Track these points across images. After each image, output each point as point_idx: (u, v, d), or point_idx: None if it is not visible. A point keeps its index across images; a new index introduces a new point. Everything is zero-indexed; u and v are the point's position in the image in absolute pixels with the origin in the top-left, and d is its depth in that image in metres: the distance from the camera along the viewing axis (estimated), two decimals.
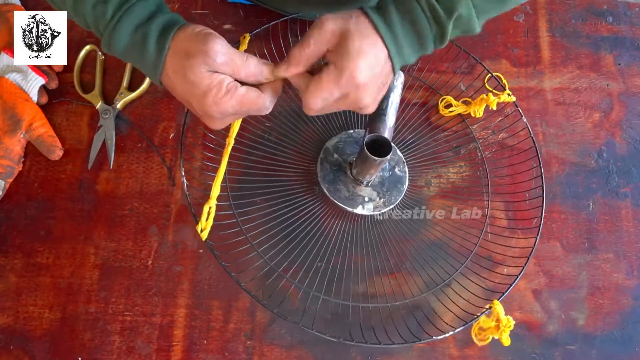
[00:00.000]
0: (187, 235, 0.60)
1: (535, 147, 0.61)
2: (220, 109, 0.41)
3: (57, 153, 0.62)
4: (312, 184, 0.61)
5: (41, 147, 0.61)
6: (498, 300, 0.53)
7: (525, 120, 0.62)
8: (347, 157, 0.60)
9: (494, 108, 0.58)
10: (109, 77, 0.66)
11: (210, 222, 0.51)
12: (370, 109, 0.43)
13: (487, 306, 0.54)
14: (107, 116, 0.63)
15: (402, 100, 0.64)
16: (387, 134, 0.54)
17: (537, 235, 0.58)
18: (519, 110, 0.62)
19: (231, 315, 0.58)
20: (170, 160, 0.63)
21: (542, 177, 0.60)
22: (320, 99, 0.40)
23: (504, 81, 0.66)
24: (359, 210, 0.58)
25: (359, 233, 0.60)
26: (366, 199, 0.59)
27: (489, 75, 0.66)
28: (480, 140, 0.64)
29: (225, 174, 0.55)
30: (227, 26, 0.67)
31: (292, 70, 0.41)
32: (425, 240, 0.61)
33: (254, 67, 0.41)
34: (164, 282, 0.59)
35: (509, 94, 0.59)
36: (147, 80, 0.64)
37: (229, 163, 0.55)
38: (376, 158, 0.50)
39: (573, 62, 0.68)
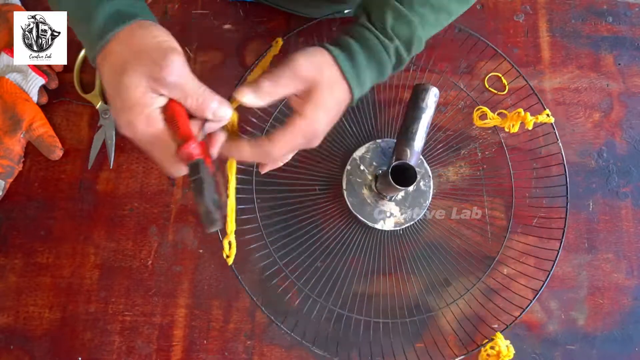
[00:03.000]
0: (187, 235, 0.60)
1: (562, 155, 0.60)
2: (131, 132, 0.36)
3: (57, 153, 0.62)
4: (337, 194, 0.60)
5: (41, 147, 0.61)
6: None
7: (559, 143, 0.61)
8: (373, 170, 0.59)
9: (530, 127, 0.57)
10: None
11: (234, 250, 0.49)
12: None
13: (491, 337, 0.55)
14: (107, 116, 0.63)
15: (400, 99, 0.64)
16: (414, 159, 0.52)
17: (560, 246, 0.57)
18: (555, 133, 0.61)
19: (231, 315, 0.58)
20: None
21: (566, 181, 0.60)
22: (288, 149, 0.40)
23: (504, 81, 0.66)
24: (379, 225, 0.57)
25: (369, 242, 0.60)
26: (388, 214, 0.58)
27: (489, 74, 0.66)
28: (480, 140, 0.64)
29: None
30: (227, 26, 0.67)
31: (257, 100, 0.38)
32: (425, 240, 0.61)
33: (207, 95, 0.37)
34: (164, 282, 0.59)
35: (548, 115, 0.58)
36: None
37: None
38: (400, 188, 0.49)
39: (573, 62, 0.68)
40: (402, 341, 0.56)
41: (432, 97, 0.53)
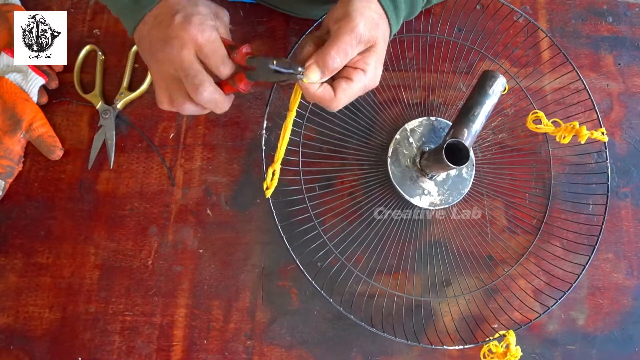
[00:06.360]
0: (187, 235, 0.60)
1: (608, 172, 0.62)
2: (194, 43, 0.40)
3: (57, 153, 0.62)
4: (380, 161, 0.61)
5: (41, 147, 0.61)
6: (516, 330, 0.55)
7: (608, 162, 0.62)
8: (420, 145, 0.60)
9: (582, 142, 0.57)
10: (109, 77, 0.66)
11: (275, 182, 0.50)
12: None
13: (502, 333, 0.55)
14: (107, 116, 0.63)
15: (399, 100, 0.64)
16: (469, 140, 0.53)
17: (591, 255, 0.57)
18: (606, 152, 0.62)
19: (231, 315, 0.58)
20: (170, 160, 0.63)
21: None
22: (349, 100, 0.44)
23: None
24: (415, 200, 0.58)
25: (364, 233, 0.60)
26: (426, 191, 0.58)
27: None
28: (481, 141, 0.64)
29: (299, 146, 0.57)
30: None
31: (325, 77, 0.41)
32: (425, 240, 0.61)
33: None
34: (164, 282, 0.59)
35: (603, 133, 0.58)
36: (147, 80, 0.64)
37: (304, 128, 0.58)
38: (451, 165, 0.49)
39: (573, 62, 0.68)
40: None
41: (500, 85, 0.53)
